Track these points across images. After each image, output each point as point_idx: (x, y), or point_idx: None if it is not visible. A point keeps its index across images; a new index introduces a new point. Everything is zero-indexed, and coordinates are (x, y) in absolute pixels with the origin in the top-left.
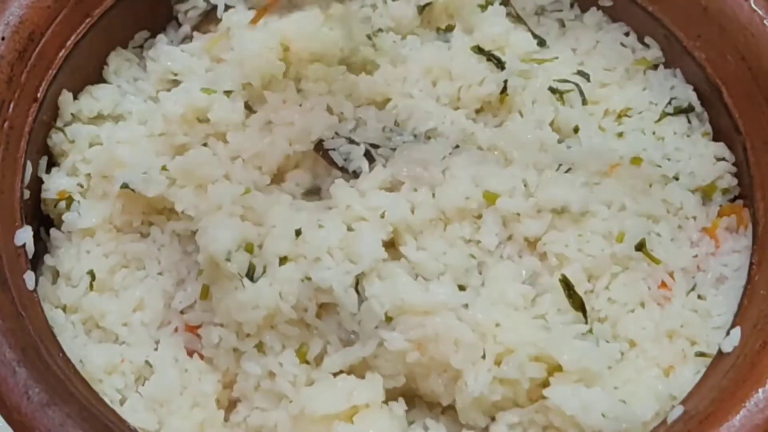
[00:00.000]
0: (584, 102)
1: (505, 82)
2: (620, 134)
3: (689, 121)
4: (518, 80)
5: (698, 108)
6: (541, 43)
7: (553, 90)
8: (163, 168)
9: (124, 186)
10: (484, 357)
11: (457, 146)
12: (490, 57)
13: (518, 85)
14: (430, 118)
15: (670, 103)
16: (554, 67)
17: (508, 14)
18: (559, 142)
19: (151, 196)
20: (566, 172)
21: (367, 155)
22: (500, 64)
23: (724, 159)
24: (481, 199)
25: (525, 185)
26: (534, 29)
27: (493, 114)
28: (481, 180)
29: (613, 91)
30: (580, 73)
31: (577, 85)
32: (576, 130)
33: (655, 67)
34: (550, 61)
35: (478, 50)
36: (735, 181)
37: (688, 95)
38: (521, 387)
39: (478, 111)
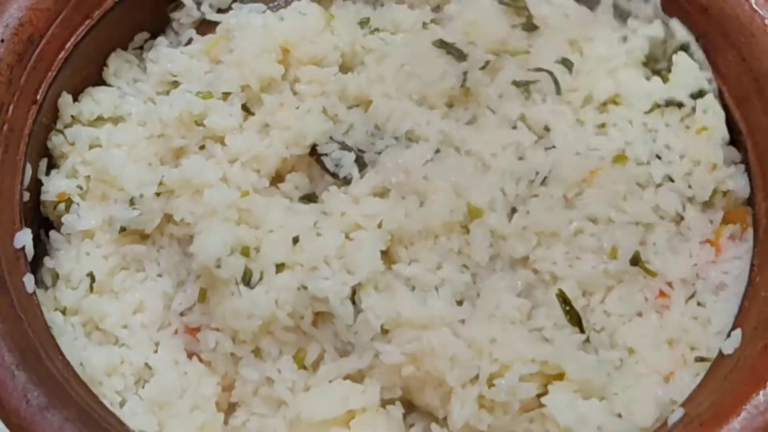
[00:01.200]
0: (558, 92)
1: (465, 74)
2: (602, 125)
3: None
4: (479, 73)
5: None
6: (530, 27)
7: (517, 83)
8: (161, 184)
9: (122, 229)
10: (477, 378)
11: (438, 150)
12: (450, 50)
13: (480, 79)
14: (407, 119)
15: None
16: (533, 57)
17: None
18: (536, 141)
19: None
20: (542, 182)
21: (358, 161)
22: (462, 57)
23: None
24: (465, 209)
25: (504, 194)
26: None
27: (464, 108)
28: (463, 190)
29: (598, 78)
30: (563, 61)
31: (550, 73)
32: (547, 129)
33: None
34: (524, 54)
35: (440, 44)
36: (741, 183)
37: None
38: (512, 408)
39: (450, 106)
